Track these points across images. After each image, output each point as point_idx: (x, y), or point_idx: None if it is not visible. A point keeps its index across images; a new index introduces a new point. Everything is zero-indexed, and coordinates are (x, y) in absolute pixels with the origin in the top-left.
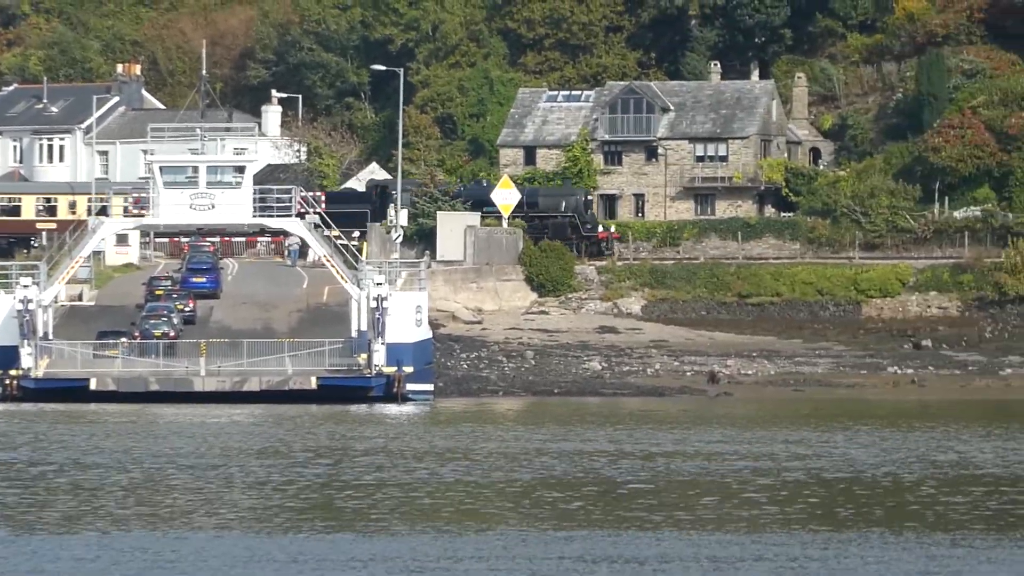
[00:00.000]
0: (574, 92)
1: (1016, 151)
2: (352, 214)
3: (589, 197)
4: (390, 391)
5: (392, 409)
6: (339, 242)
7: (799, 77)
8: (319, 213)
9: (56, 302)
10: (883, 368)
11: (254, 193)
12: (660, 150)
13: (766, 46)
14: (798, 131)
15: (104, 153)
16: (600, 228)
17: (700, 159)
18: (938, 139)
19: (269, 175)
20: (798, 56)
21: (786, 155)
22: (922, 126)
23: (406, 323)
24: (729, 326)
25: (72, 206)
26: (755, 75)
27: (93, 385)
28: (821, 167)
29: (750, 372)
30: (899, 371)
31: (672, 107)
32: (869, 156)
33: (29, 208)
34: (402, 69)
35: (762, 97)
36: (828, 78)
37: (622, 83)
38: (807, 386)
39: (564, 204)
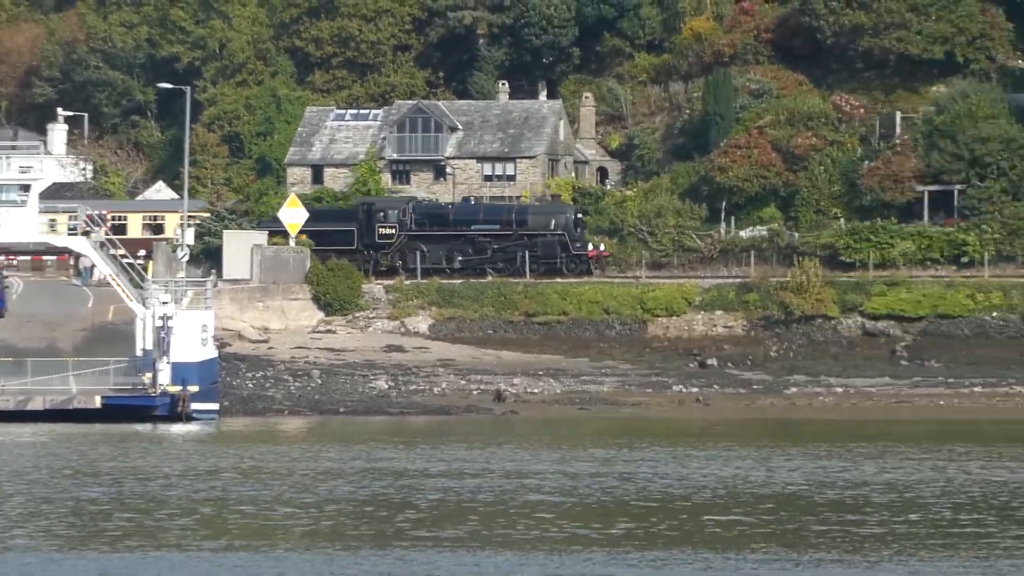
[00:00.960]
0: (362, 111)
1: (802, 170)
2: (338, 232)
3: (579, 215)
4: (175, 410)
5: (176, 428)
6: (125, 261)
7: (587, 97)
8: (107, 232)
9: None
10: (668, 387)
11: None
12: (448, 169)
13: (554, 65)
14: (585, 151)
15: None
16: (590, 246)
17: (488, 178)
18: (725, 159)
19: (55, 193)
20: (586, 76)
21: (574, 174)
22: (709, 145)
23: (192, 342)
24: (516, 345)
25: None
26: (543, 95)
27: None
28: (608, 186)
29: (536, 391)
30: (684, 389)
31: (460, 126)
32: (656, 175)
33: None
34: (189, 87)
35: (550, 117)
36: (615, 98)
37: (410, 102)
38: (592, 404)
39: (553, 222)
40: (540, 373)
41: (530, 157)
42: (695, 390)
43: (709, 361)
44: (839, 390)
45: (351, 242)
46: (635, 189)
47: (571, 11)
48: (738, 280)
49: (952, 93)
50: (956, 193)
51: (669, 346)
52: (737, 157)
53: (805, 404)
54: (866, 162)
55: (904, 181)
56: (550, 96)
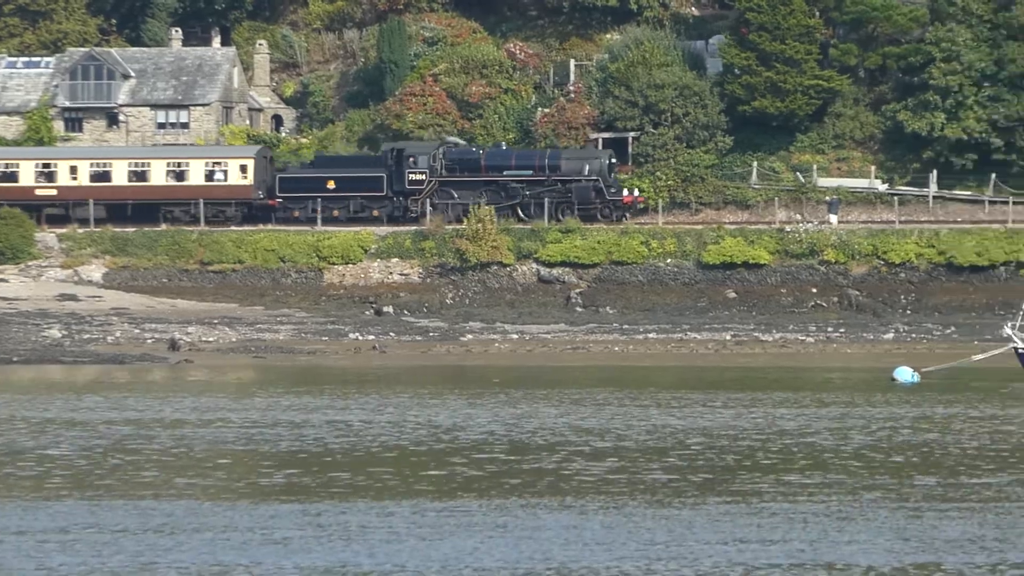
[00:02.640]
0: (34, 58)
1: (477, 118)
2: (367, 179)
3: (613, 160)
4: None
5: None
6: None
7: (260, 44)
8: None
9: None
10: (344, 334)
11: None
12: (121, 117)
13: (227, 12)
14: (260, 98)
15: None
16: (625, 192)
17: (162, 126)
18: (400, 106)
19: None
20: (260, 23)
21: (248, 122)
22: (384, 93)
23: None
24: (191, 294)
25: None
26: (216, 41)
27: None
28: (283, 134)
29: (211, 339)
30: (360, 337)
31: (133, 73)
32: (331, 123)
33: None
34: None
35: (223, 64)
36: (289, 45)
37: (83, 49)
38: (268, 352)
39: (587, 168)
40: (215, 322)
41: (204, 105)
42: (371, 338)
43: (385, 309)
44: (515, 336)
45: (380, 188)
46: (310, 137)
47: None
48: (413, 228)
49: (626, 40)
50: (630, 140)
51: (345, 294)
52: (412, 105)
53: (481, 351)
54: (540, 109)
55: (579, 128)
56: (224, 43)
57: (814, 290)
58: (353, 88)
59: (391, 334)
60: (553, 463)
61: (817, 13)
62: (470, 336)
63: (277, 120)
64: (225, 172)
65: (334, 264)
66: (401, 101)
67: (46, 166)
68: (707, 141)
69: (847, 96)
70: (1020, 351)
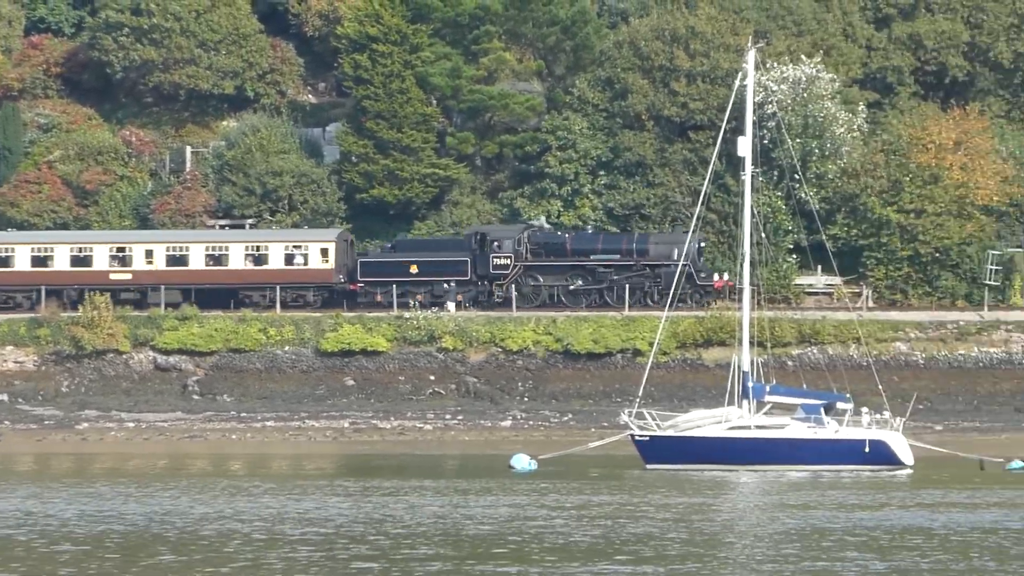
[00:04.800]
0: None
1: (93, 204)
2: (450, 263)
3: (702, 244)
4: None
5: None
6: None
7: None
8: None
9: None
10: None
11: None
12: None
13: None
14: None
15: None
16: (715, 276)
17: None
18: (15, 193)
19: None
20: None
21: None
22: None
23: None
24: None
25: None
26: None
27: None
28: None
29: None
30: None
31: None
32: None
33: None
34: None
35: None
36: None
37: None
38: None
39: (676, 252)
40: None
41: None
42: None
43: (1, 396)
44: (131, 424)
45: (464, 272)
46: None
47: None
48: (29, 315)
49: (243, 127)
50: (248, 226)
51: None
52: (27, 192)
53: (97, 439)
54: (157, 196)
55: (195, 215)
56: None
57: (432, 377)
58: None
59: (6, 422)
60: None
61: (434, 102)
62: (86, 424)
63: None
64: (305, 256)
65: None
66: (16, 188)
67: (120, 249)
68: (328, 227)
69: (464, 184)
70: (637, 438)
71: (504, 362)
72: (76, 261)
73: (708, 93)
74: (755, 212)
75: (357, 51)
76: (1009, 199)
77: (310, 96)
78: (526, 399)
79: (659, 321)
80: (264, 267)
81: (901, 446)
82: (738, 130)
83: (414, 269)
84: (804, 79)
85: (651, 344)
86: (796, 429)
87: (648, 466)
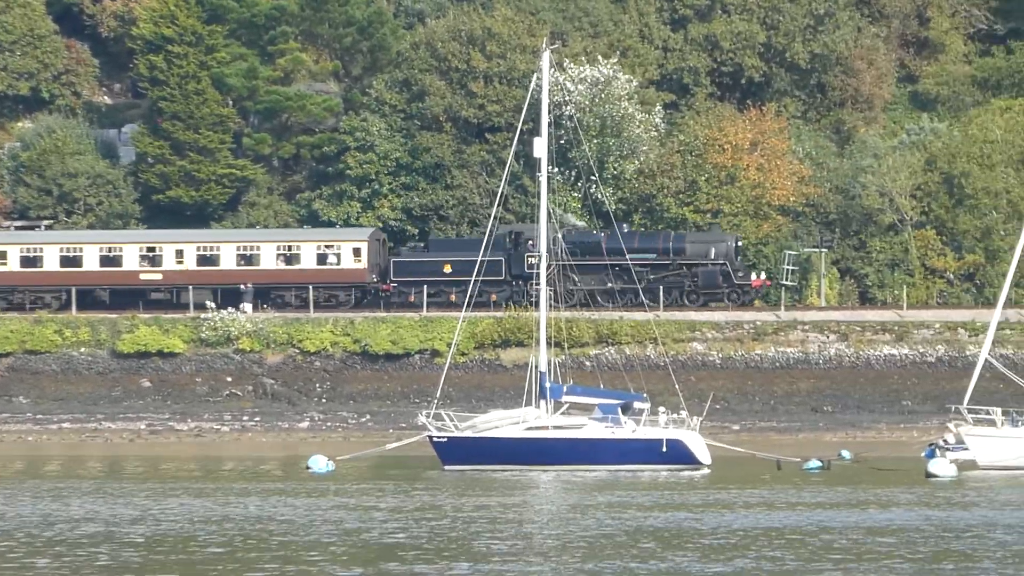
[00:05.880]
0: None
1: None
2: (484, 263)
3: (739, 243)
4: None
5: None
6: None
7: None
8: None
9: None
10: None
11: None
12: None
13: None
14: None
15: None
16: (753, 276)
17: None
18: None
19: None
20: None
21: None
22: None
23: None
24: None
25: None
26: None
27: None
28: None
29: None
30: None
31: None
32: None
33: None
34: None
35: None
36: None
37: None
38: None
39: (714, 251)
40: None
41: None
42: None
43: None
44: None
45: (499, 272)
46: None
47: None
48: None
49: (38, 128)
50: (43, 227)
51: None
52: None
53: None
54: None
55: None
56: None
57: (230, 379)
58: None
59: None
60: None
61: (231, 102)
62: None
63: None
64: (338, 256)
65: None
66: None
67: (151, 249)
68: (124, 229)
69: (261, 185)
70: (435, 439)
71: (302, 363)
72: (105, 261)
73: (505, 95)
74: (552, 213)
75: (152, 52)
76: (805, 199)
77: (106, 97)
78: (324, 400)
79: (456, 322)
80: (296, 267)
81: (698, 446)
82: (535, 131)
83: (447, 269)
84: (601, 80)
85: (449, 345)
86: (593, 429)
87: (446, 467)
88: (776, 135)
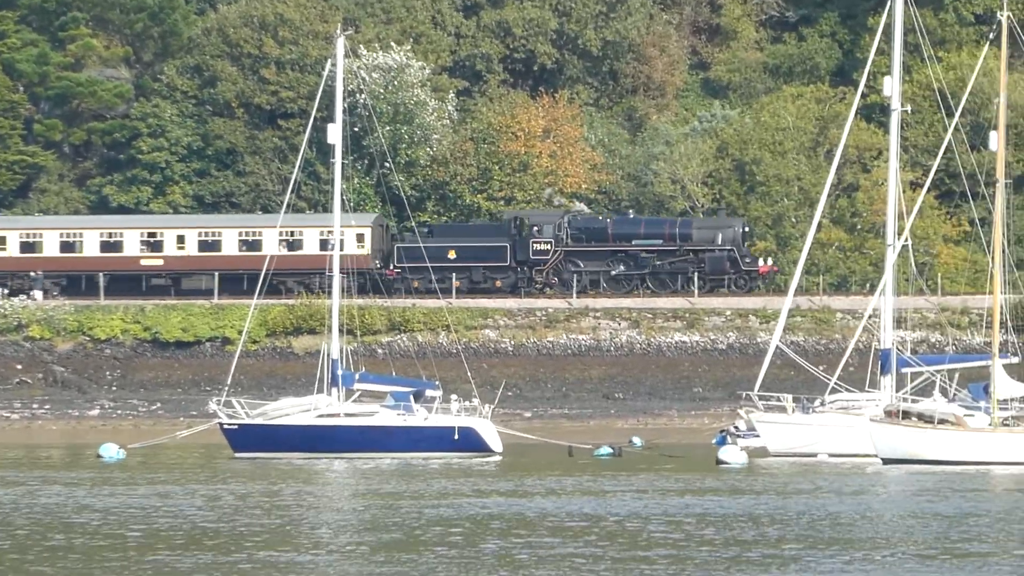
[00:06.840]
0: None
1: None
2: (489, 249)
3: (747, 228)
4: None
5: None
6: None
7: None
8: None
9: None
10: None
11: None
12: None
13: None
14: None
15: None
16: (760, 262)
17: None
18: None
19: None
20: None
21: None
22: None
23: None
24: None
25: None
26: None
27: None
28: None
29: None
30: None
31: None
32: None
33: None
34: None
35: None
36: None
37: None
38: None
39: (720, 236)
40: None
41: None
42: None
43: None
44: None
45: (503, 258)
46: None
47: None
48: None
49: None
50: None
51: None
52: None
53: None
54: None
55: None
56: None
57: (19, 366)
58: None
59: None
60: None
61: (21, 88)
62: None
63: None
64: (340, 241)
65: None
66: None
67: (152, 235)
68: None
69: (52, 171)
70: (225, 426)
71: (92, 351)
72: (106, 247)
73: (298, 81)
74: (345, 200)
75: None
76: (598, 186)
77: None
78: (115, 388)
79: (248, 309)
80: (299, 252)
81: (490, 433)
82: (329, 118)
83: (452, 255)
84: (394, 67)
85: (240, 332)
86: (385, 416)
87: (237, 454)
88: (569, 122)
